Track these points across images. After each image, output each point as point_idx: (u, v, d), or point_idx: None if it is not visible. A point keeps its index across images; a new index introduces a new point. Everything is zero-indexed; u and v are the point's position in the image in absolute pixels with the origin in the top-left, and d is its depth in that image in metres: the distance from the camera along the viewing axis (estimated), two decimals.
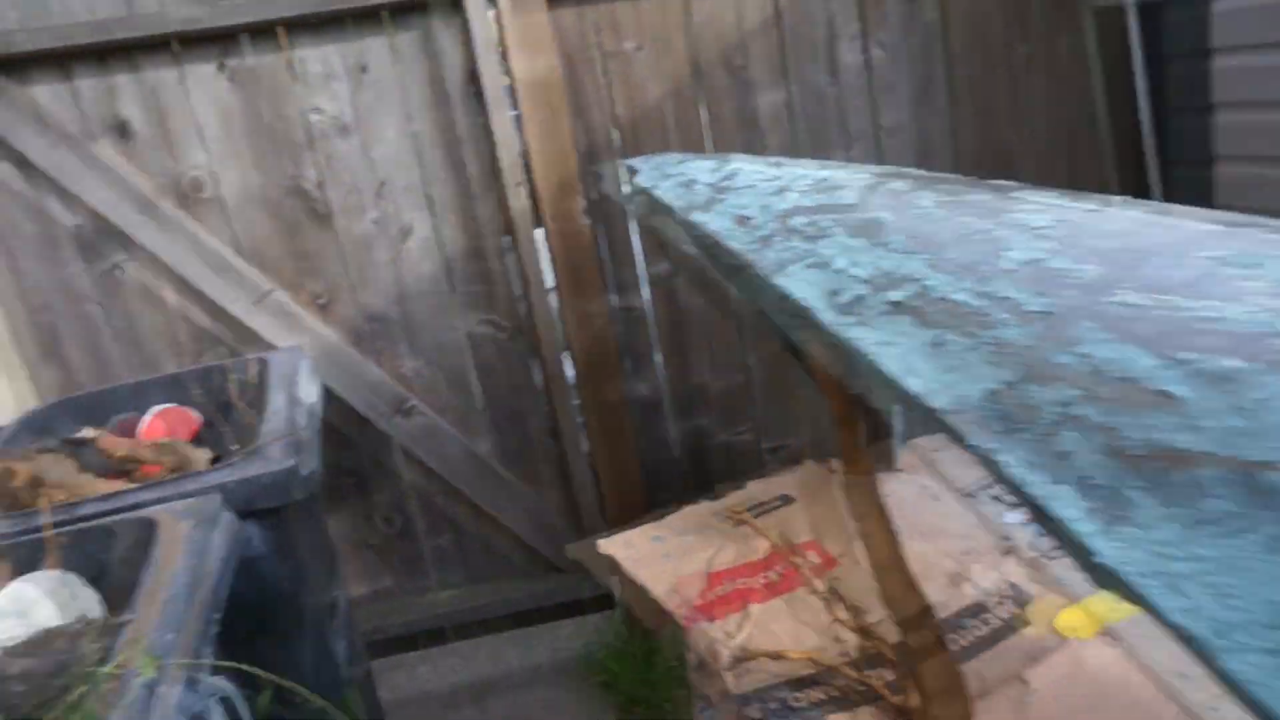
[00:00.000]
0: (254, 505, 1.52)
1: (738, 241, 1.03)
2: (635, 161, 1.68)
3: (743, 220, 1.07)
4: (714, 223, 1.11)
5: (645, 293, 2.41)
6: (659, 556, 1.89)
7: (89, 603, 1.35)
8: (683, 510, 2.06)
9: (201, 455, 1.73)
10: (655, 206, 1.34)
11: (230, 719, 1.49)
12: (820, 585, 1.65)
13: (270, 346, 2.22)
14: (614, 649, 2.62)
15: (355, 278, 2.27)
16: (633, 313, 2.41)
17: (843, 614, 1.49)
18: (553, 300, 2.30)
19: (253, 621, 1.34)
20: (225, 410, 1.98)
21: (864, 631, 1.48)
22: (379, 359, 2.34)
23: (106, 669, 1.02)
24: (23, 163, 2.05)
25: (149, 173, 2.13)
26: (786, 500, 2.00)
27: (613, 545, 1.94)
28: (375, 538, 2.53)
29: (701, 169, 1.37)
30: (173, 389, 1.97)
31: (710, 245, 1.08)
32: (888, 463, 2.02)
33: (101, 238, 2.15)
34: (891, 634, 1.47)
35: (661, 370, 2.50)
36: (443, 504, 2.51)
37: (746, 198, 1.15)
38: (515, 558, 2.62)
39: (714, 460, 2.62)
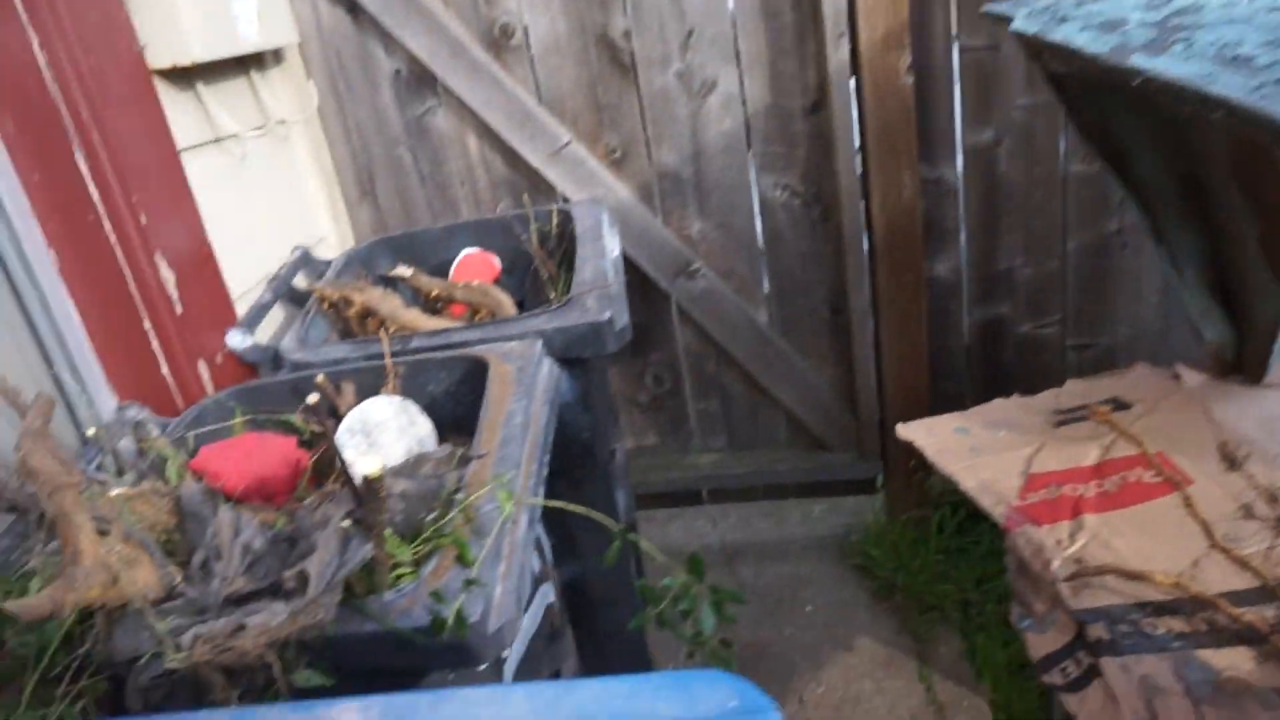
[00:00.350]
0: (568, 354, 1.51)
1: (1226, 87, 0.81)
2: (1005, 6, 1.42)
3: (1233, 60, 0.84)
4: (1177, 68, 0.88)
5: (959, 164, 2.15)
6: (965, 449, 1.73)
7: (424, 430, 1.41)
8: (991, 403, 1.86)
9: (509, 301, 1.75)
10: (1059, 53, 1.11)
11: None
12: (1176, 503, 1.44)
13: (563, 199, 2.21)
14: (874, 533, 2.54)
15: (652, 132, 2.19)
16: (942, 185, 2.17)
17: (1216, 538, 1.29)
18: (857, 167, 2.10)
19: (553, 466, 1.35)
20: (524, 259, 2.00)
21: (1240, 563, 1.27)
22: (667, 218, 2.27)
23: (469, 499, 1.04)
24: (353, 7, 2.10)
25: (464, 19, 2.12)
26: (1120, 405, 1.75)
27: (911, 430, 1.80)
28: (644, 396, 2.54)
29: (1125, 4, 1.11)
30: (477, 234, 2.01)
31: (1179, 92, 0.85)
32: (1254, 375, 1.71)
33: (416, 83, 2.18)
34: (1274, 569, 1.25)
35: (965, 251, 2.26)
36: (714, 369, 2.47)
37: (1230, 31, 0.90)
38: (780, 431, 2.56)
39: (1009, 354, 2.38)
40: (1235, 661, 1.19)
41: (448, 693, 0.54)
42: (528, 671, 1.29)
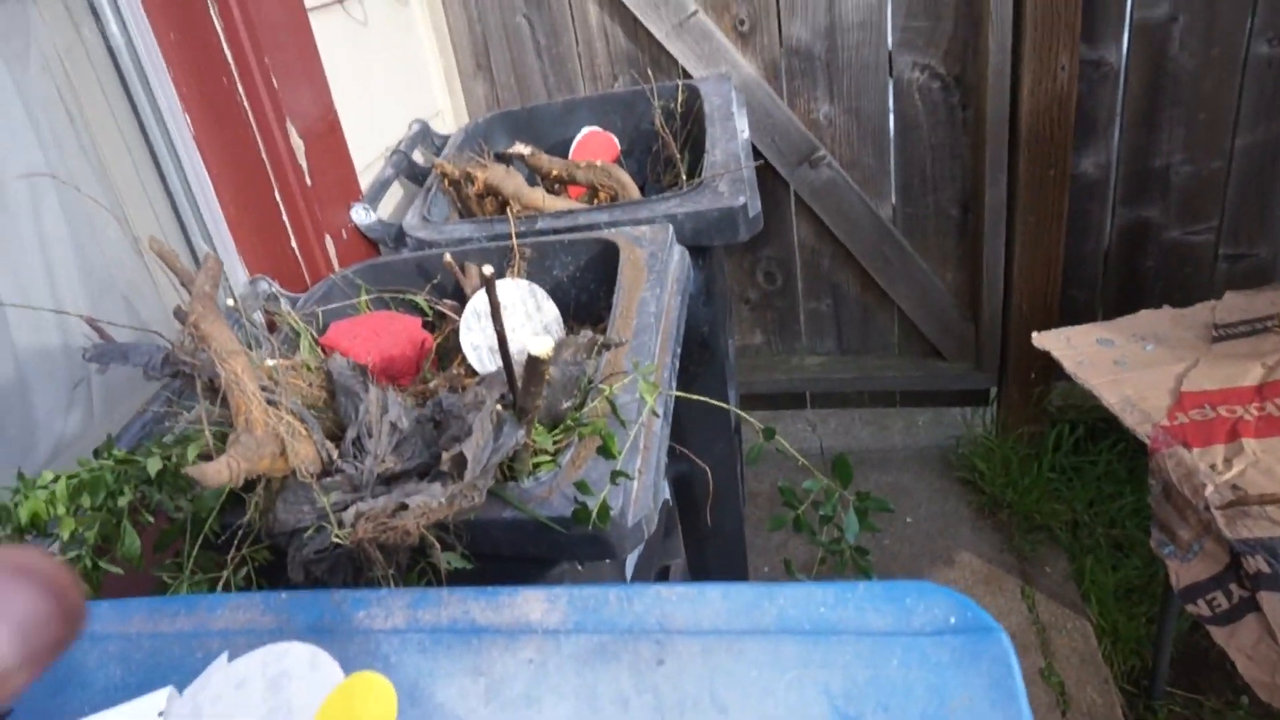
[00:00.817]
0: (697, 241, 1.45)
1: None
2: None
3: None
4: None
5: (1125, 43, 1.94)
6: (1109, 362, 1.62)
7: (550, 316, 1.38)
8: (1138, 314, 1.73)
9: (632, 183, 1.68)
10: None
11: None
12: None
13: (685, 75, 2.09)
14: (983, 447, 2.46)
15: (784, 2, 2.03)
16: (1102, 68, 1.97)
17: None
18: (1009, 45, 1.92)
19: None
20: (644, 139, 1.92)
21: None
22: (793, 100, 2.13)
23: (610, 389, 1.01)
24: None
25: None
26: None
27: (1049, 340, 1.70)
28: (754, 292, 2.47)
29: None
30: (598, 111, 1.92)
31: None
32: None
33: None
34: None
35: (1117, 144, 2.07)
36: (829, 267, 2.37)
37: None
38: (892, 336, 2.46)
39: (1151, 262, 2.21)
40: None
41: (638, 588, 0.52)
42: (644, 566, 1.29)
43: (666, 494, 1.56)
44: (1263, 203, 2.09)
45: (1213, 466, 1.34)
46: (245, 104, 1.33)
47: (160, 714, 0.49)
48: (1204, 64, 1.94)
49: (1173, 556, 1.33)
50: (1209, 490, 1.30)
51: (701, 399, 1.20)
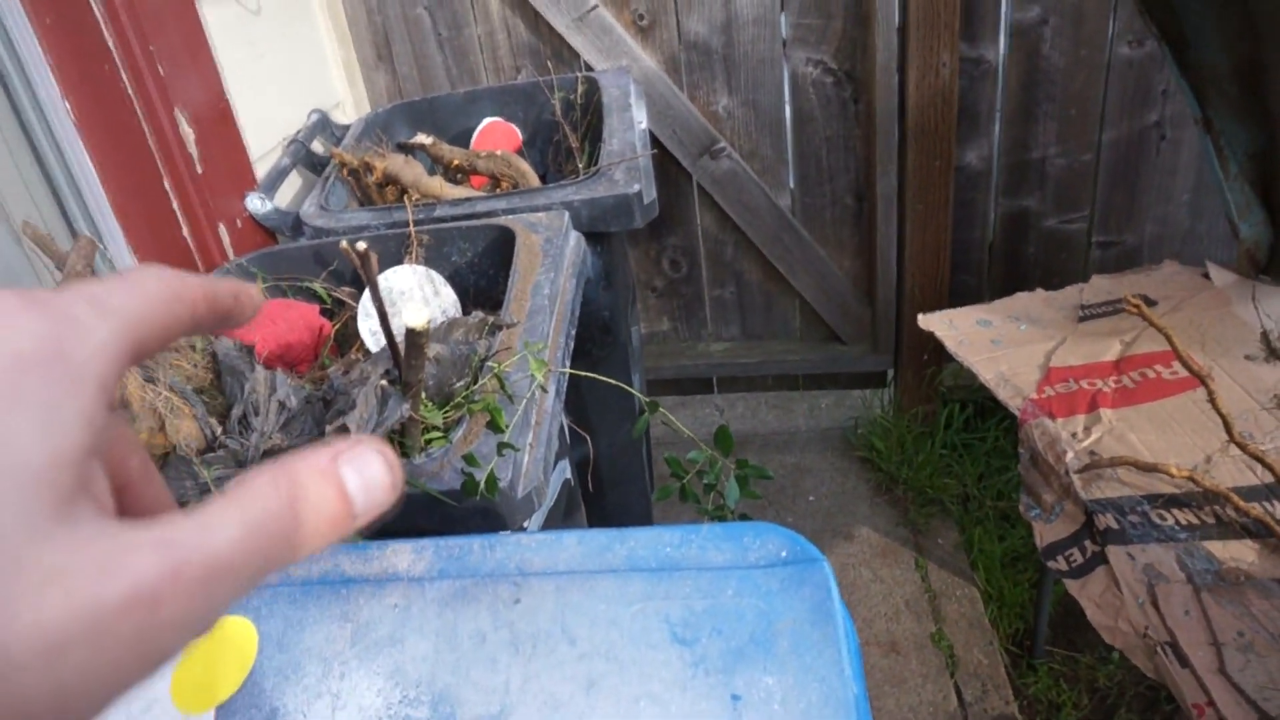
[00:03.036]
0: (594, 227, 1.49)
1: None
2: None
3: None
4: None
5: (1003, 42, 2.06)
6: (987, 341, 1.73)
7: (448, 300, 1.40)
8: (1015, 296, 1.85)
9: (532, 171, 1.71)
10: None
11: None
12: (1196, 399, 1.44)
13: (587, 67, 2.13)
14: (881, 427, 2.57)
15: None
16: (981, 66, 2.09)
17: (1234, 434, 1.30)
18: (895, 43, 2.01)
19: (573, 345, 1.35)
20: (546, 129, 1.95)
21: (1256, 458, 1.29)
22: (693, 93, 2.19)
23: (500, 366, 1.04)
24: None
25: None
26: (1146, 302, 1.74)
27: (933, 322, 1.80)
28: (660, 280, 2.53)
29: None
30: (499, 102, 1.95)
31: None
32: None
33: None
34: None
35: (998, 138, 2.20)
36: (731, 255, 2.44)
37: None
38: (794, 321, 2.55)
39: (1031, 249, 2.34)
40: (1238, 553, 1.22)
41: (500, 537, 0.55)
42: None
43: (568, 474, 1.60)
44: (1129, 193, 2.24)
45: (1074, 435, 1.45)
46: (130, 91, 1.31)
47: None
48: (1073, 63, 2.07)
49: (1038, 518, 1.43)
50: (1069, 456, 1.40)
51: (598, 377, 1.24)
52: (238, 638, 0.50)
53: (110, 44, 1.27)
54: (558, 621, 0.51)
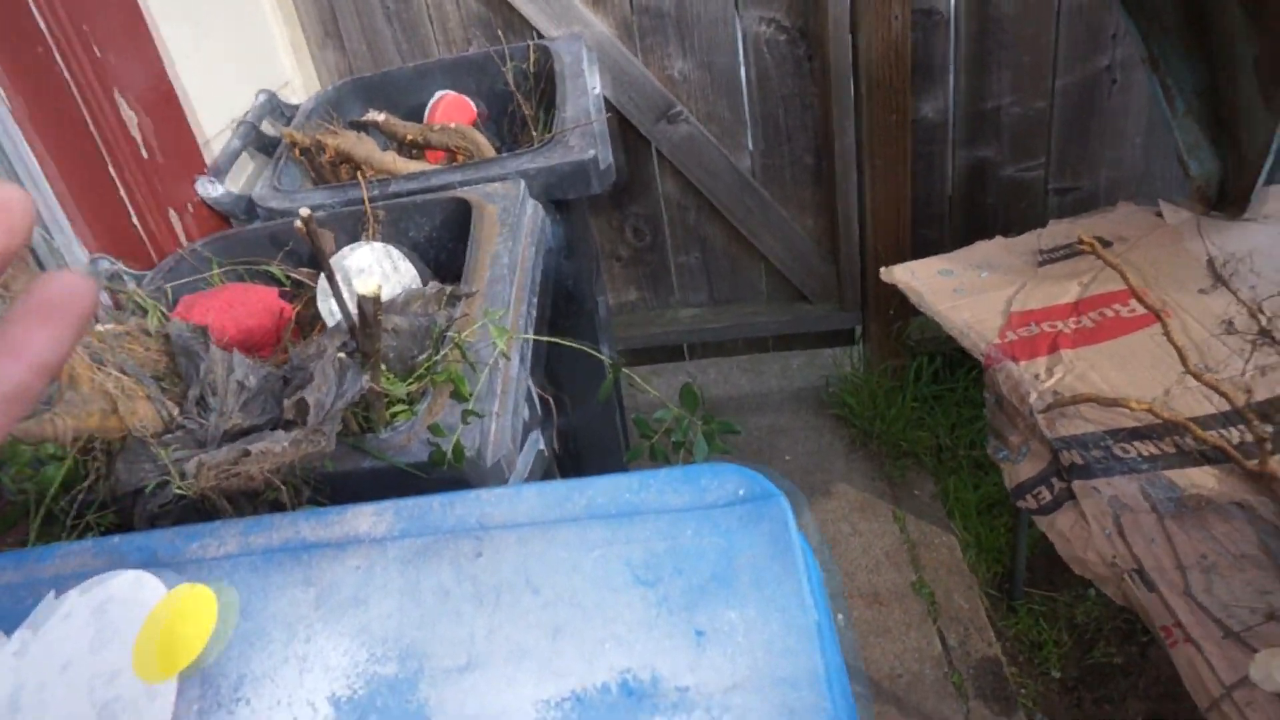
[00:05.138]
0: (552, 195, 1.48)
1: None
2: None
3: None
4: None
5: None
6: (949, 290, 1.74)
7: (408, 277, 1.39)
8: (975, 245, 1.86)
9: (488, 143, 1.69)
10: None
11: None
12: (1153, 335, 1.47)
13: (539, 35, 2.11)
14: (852, 384, 2.59)
15: None
16: (933, 17, 2.09)
17: (1189, 366, 1.32)
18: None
19: (539, 316, 1.35)
20: (501, 100, 1.92)
21: (1212, 387, 1.32)
22: (648, 58, 2.18)
23: (461, 336, 1.04)
24: None
25: None
26: (1102, 243, 1.76)
27: (895, 274, 1.81)
28: (625, 249, 2.52)
29: None
30: (451, 75, 1.92)
31: None
32: (1237, 209, 1.72)
33: None
34: (1244, 392, 1.29)
35: (953, 89, 2.20)
36: (695, 221, 2.43)
37: None
38: (760, 283, 2.56)
39: (991, 199, 2.36)
40: (1199, 480, 1.24)
41: (459, 494, 0.55)
42: None
43: (541, 445, 1.60)
44: (1083, 139, 2.26)
45: (1036, 376, 1.47)
46: (66, 75, 1.28)
47: None
48: (1024, 10, 2.08)
49: (1006, 460, 1.46)
50: (1033, 397, 1.42)
51: (563, 342, 1.24)
52: (196, 605, 0.50)
53: (42, 26, 1.23)
54: (520, 572, 0.51)
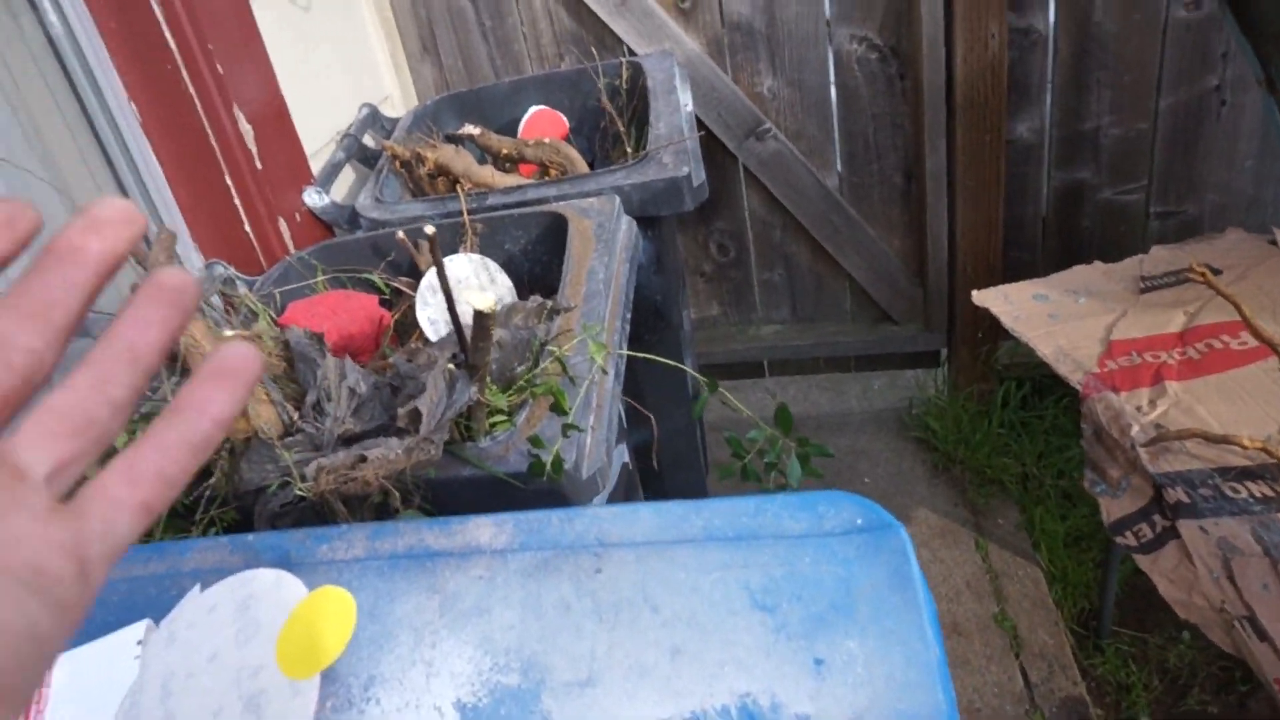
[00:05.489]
0: (644, 211, 1.50)
1: None
2: None
3: None
4: None
5: (1051, 11, 2.02)
6: (1044, 316, 1.70)
7: (503, 288, 1.42)
8: (1072, 270, 1.81)
9: (580, 158, 1.72)
10: None
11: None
12: (1266, 370, 1.41)
13: (630, 53, 2.13)
14: (936, 407, 2.54)
15: None
16: (1031, 35, 2.04)
17: None
18: (941, 15, 1.98)
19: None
20: (591, 116, 1.96)
21: None
22: (737, 75, 2.18)
23: (560, 350, 1.06)
24: None
25: None
26: (1210, 271, 1.69)
27: (988, 298, 1.77)
28: (708, 265, 2.52)
29: None
30: (544, 90, 1.96)
31: None
32: None
33: None
34: None
35: (1049, 109, 2.15)
36: (780, 238, 2.43)
37: None
38: (844, 302, 2.53)
39: (1086, 222, 2.29)
40: None
41: (577, 510, 0.56)
42: None
43: (625, 458, 1.62)
44: (1188, 162, 2.18)
45: (1138, 408, 1.42)
46: (191, 90, 1.35)
47: (139, 643, 0.52)
48: (1126, 28, 2.02)
49: (1104, 494, 1.41)
50: (1135, 430, 1.37)
51: (655, 358, 1.25)
52: (338, 606, 0.52)
53: (171, 44, 1.30)
54: (639, 590, 0.52)
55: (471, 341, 0.80)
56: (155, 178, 1.41)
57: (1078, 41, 2.05)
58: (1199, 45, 2.02)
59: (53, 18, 1.27)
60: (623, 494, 1.56)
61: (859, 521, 0.53)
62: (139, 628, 0.53)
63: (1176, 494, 1.26)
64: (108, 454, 0.31)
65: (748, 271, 2.50)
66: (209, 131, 1.39)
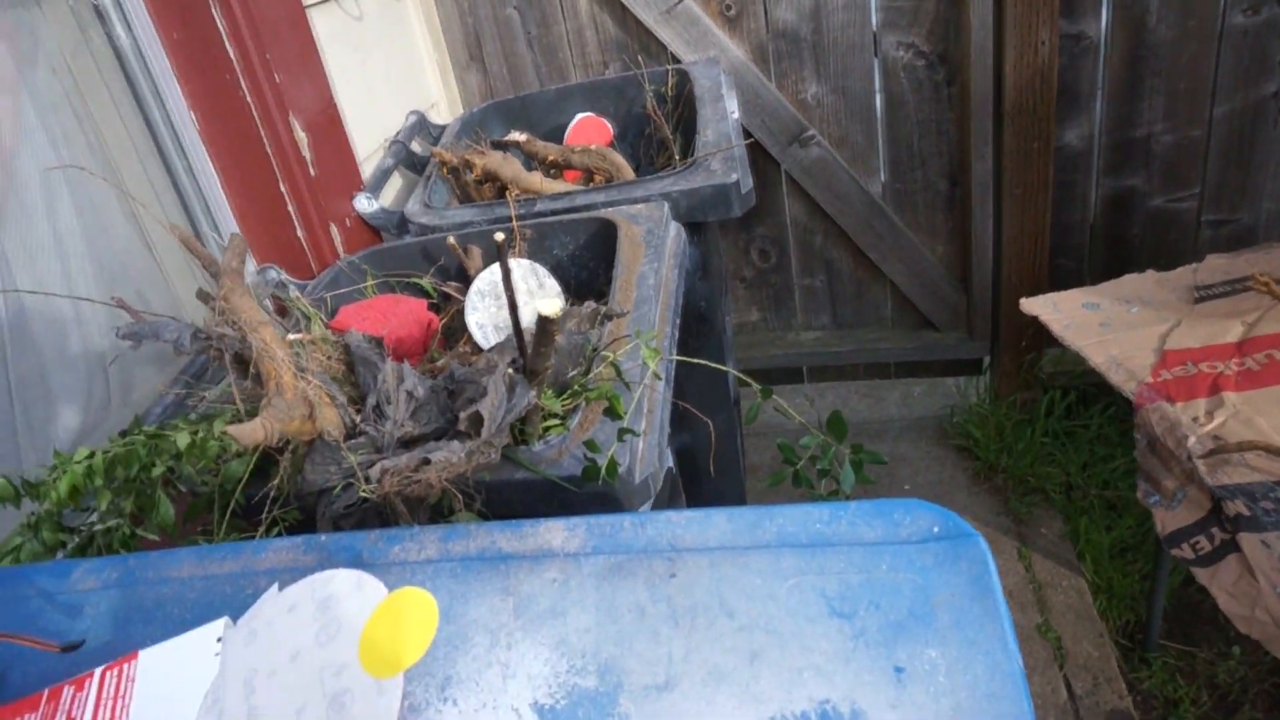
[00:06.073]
0: (692, 218, 1.50)
1: None
2: None
3: None
4: None
5: (1104, 16, 1.99)
6: (1095, 324, 1.67)
7: (553, 293, 1.43)
8: (1123, 278, 1.79)
9: (627, 165, 1.73)
10: None
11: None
12: None
13: (674, 60, 2.14)
14: (978, 414, 2.51)
15: None
16: (1082, 42, 2.02)
17: None
18: (990, 22, 1.96)
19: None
20: (637, 123, 1.96)
21: None
22: (781, 82, 2.18)
23: (614, 355, 1.06)
24: None
25: None
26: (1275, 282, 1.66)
27: (1036, 305, 1.75)
28: (749, 270, 2.52)
29: None
30: (590, 97, 1.97)
31: None
32: None
33: None
34: None
35: (1099, 116, 2.12)
36: (822, 244, 2.42)
37: None
38: (885, 309, 2.52)
39: (1136, 230, 2.26)
40: None
41: (650, 515, 0.57)
42: None
43: (670, 462, 1.62)
44: (1243, 169, 2.14)
45: (1195, 419, 1.40)
46: (249, 99, 1.37)
47: (219, 640, 0.53)
48: (1181, 35, 1.99)
49: (1158, 505, 1.39)
50: (1191, 441, 1.35)
51: (702, 362, 1.25)
52: (419, 607, 0.52)
53: (231, 55, 1.33)
54: (715, 595, 0.52)
55: (533, 346, 0.81)
56: (212, 185, 1.43)
57: (1130, 48, 2.02)
58: (1256, 51, 1.98)
59: (119, 29, 1.31)
60: (666, 498, 1.56)
61: (936, 530, 0.53)
62: (218, 625, 0.55)
63: (1236, 506, 1.23)
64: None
65: (788, 277, 2.49)
66: (265, 140, 1.42)
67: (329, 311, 1.41)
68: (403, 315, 1.40)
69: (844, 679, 0.48)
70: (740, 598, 0.52)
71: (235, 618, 0.56)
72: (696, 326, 1.70)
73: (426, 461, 0.77)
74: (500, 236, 0.80)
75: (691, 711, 0.48)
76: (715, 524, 0.56)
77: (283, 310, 1.42)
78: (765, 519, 0.56)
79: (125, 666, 0.52)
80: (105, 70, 1.34)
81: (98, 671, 0.52)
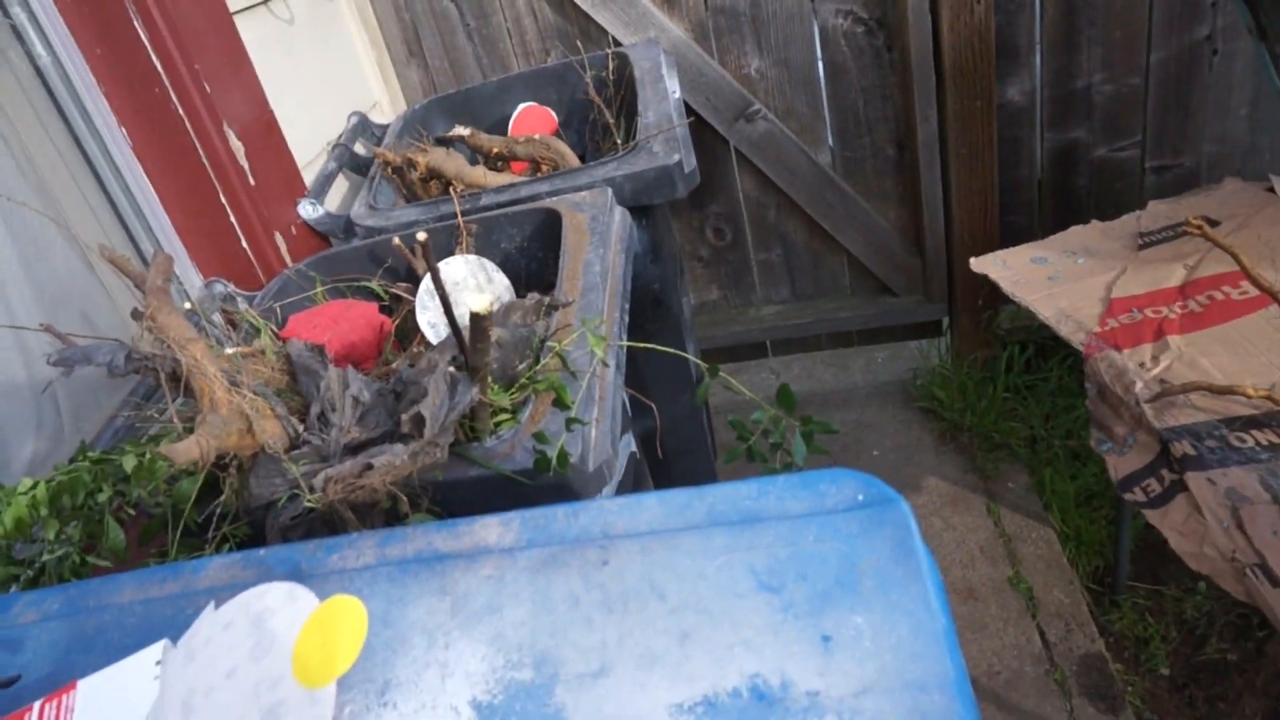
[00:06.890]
0: (637, 201, 1.50)
1: None
2: None
3: None
4: None
5: None
6: (1043, 279, 1.69)
7: (501, 286, 1.42)
8: (1069, 230, 1.81)
9: (571, 152, 1.72)
10: None
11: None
12: (1268, 318, 1.40)
13: (615, 43, 2.13)
14: (940, 376, 2.54)
15: None
16: None
17: None
18: None
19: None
20: (580, 110, 1.95)
21: None
22: (723, 58, 2.18)
23: (560, 345, 1.06)
24: None
25: None
26: (1208, 223, 1.69)
27: (986, 264, 1.77)
28: (705, 250, 2.52)
29: None
30: (532, 87, 1.96)
31: None
32: None
33: None
34: None
35: (1039, 70, 2.14)
36: (775, 218, 2.42)
37: None
38: (843, 278, 2.53)
39: (1083, 181, 2.28)
40: None
41: (583, 504, 0.57)
42: None
43: (632, 448, 1.62)
44: (1181, 114, 2.17)
45: (1141, 364, 1.42)
46: (180, 111, 1.35)
47: (158, 663, 0.54)
48: None
49: (1110, 451, 1.41)
50: (1138, 386, 1.38)
51: (656, 348, 1.26)
52: (349, 615, 0.53)
53: (158, 67, 1.31)
54: (646, 579, 0.53)
55: (470, 343, 0.81)
56: (150, 201, 1.41)
57: (1062, 3, 2.04)
58: None
59: (39, 49, 1.28)
60: (631, 483, 1.56)
61: (860, 497, 0.54)
62: (157, 648, 0.55)
63: (1183, 447, 1.26)
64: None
65: (745, 253, 2.50)
66: (200, 151, 1.40)
67: (279, 321, 1.40)
68: (354, 320, 1.39)
69: (773, 651, 0.49)
70: (671, 580, 0.53)
71: (175, 639, 0.56)
72: (652, 310, 1.70)
73: (369, 466, 0.77)
74: (423, 235, 0.80)
75: (625, 696, 0.48)
76: (647, 508, 0.57)
77: (233, 323, 1.41)
78: (696, 500, 0.56)
79: (64, 697, 0.52)
80: (29, 90, 1.31)
81: (36, 705, 0.52)
